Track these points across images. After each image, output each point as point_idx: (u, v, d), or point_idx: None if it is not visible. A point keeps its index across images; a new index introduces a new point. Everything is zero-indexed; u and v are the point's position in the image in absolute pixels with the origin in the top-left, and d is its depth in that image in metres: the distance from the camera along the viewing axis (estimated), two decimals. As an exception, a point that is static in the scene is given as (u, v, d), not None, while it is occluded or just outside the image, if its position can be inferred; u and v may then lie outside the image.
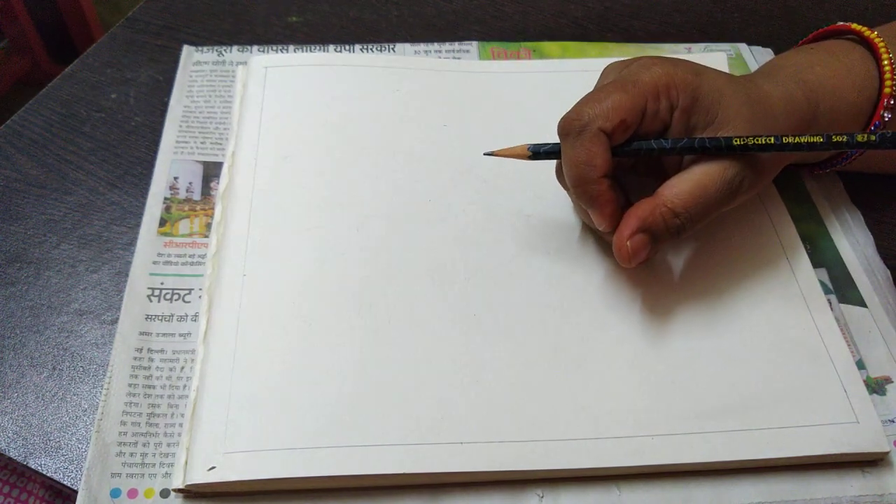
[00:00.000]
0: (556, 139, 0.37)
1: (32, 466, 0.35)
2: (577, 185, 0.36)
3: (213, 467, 0.32)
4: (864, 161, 0.43)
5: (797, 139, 0.35)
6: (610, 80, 0.38)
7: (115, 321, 0.39)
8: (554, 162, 0.39)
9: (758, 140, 0.35)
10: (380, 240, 0.40)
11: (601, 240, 0.40)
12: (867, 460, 0.35)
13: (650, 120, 0.36)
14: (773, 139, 0.35)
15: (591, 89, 0.38)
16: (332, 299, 0.37)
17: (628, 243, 0.35)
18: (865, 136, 0.35)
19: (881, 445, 0.34)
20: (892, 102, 0.40)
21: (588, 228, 0.41)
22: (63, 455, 0.35)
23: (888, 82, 0.40)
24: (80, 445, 0.35)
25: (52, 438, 0.35)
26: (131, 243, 0.41)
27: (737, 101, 0.36)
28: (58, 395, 0.37)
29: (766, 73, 0.41)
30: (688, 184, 0.36)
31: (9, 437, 0.35)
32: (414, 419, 0.34)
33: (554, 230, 0.41)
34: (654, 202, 0.36)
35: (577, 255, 0.40)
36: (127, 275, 0.40)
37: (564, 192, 0.41)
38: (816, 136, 0.36)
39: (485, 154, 0.39)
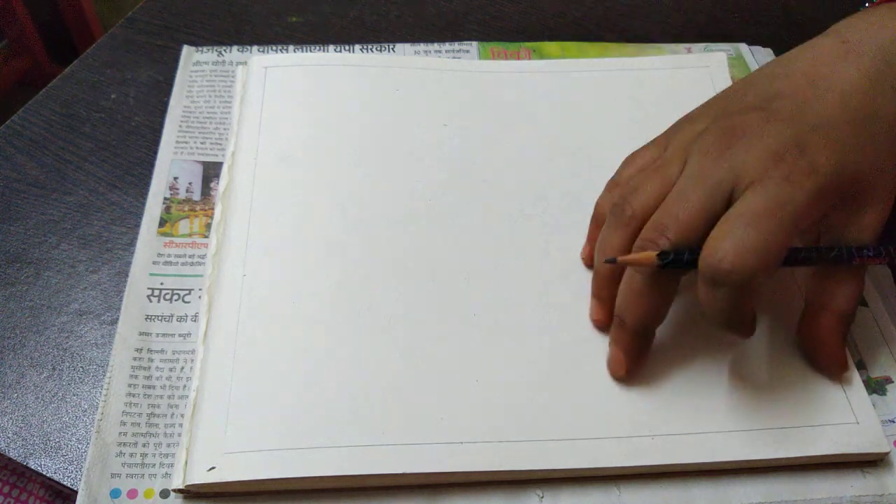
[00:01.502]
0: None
1: (32, 467, 0.35)
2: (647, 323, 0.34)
3: (213, 467, 0.32)
4: None
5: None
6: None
7: (114, 321, 0.39)
8: (555, 169, 0.39)
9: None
10: (380, 240, 0.40)
11: None
12: (867, 461, 0.34)
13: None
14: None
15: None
16: (331, 299, 0.37)
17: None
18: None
19: (881, 446, 0.34)
20: None
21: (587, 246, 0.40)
22: (63, 455, 0.35)
23: None
24: (79, 446, 0.35)
25: (51, 439, 0.35)
26: (131, 243, 0.41)
27: (867, 157, 0.33)
28: (58, 396, 0.37)
29: (881, 77, 0.34)
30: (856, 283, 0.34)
31: (9, 437, 0.35)
32: (413, 419, 0.34)
33: (554, 231, 0.41)
34: (829, 316, 0.34)
35: (577, 255, 0.40)
36: (127, 275, 0.40)
37: (564, 192, 0.41)
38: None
39: (606, 261, 0.34)
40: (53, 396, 0.37)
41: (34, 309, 0.40)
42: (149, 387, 0.36)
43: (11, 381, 0.37)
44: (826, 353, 0.35)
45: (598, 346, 0.36)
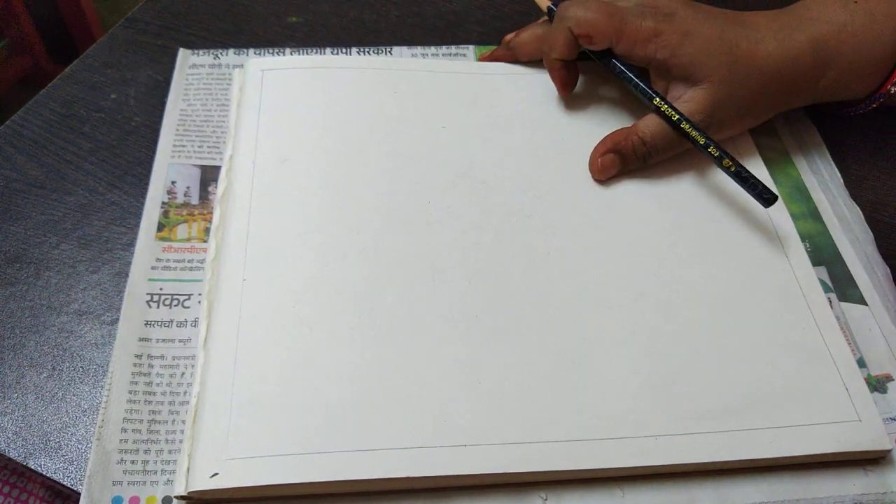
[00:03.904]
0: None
1: (32, 467, 0.35)
2: (543, 54, 0.46)
3: (216, 474, 0.32)
4: None
5: (691, 131, 0.41)
6: (622, 1, 0.43)
7: (114, 321, 0.39)
8: (554, 170, 0.44)
9: (672, 114, 0.42)
10: (379, 242, 0.39)
11: (603, 240, 0.40)
12: (869, 458, 0.35)
13: (629, 53, 0.43)
14: (676, 115, 0.42)
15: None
16: (332, 303, 0.37)
17: (600, 160, 0.43)
18: (734, 165, 0.40)
19: (883, 444, 0.34)
20: None
21: (589, 226, 0.41)
22: (63, 455, 0.35)
23: None
24: (79, 446, 0.35)
25: (51, 439, 0.35)
26: (131, 244, 0.41)
27: (716, 61, 0.41)
28: (57, 396, 0.37)
29: (781, 24, 0.43)
30: (658, 121, 0.43)
31: (8, 437, 0.35)
32: (416, 422, 0.34)
33: (554, 231, 0.41)
34: (629, 130, 0.43)
35: (577, 256, 0.40)
36: (127, 275, 0.40)
37: (563, 192, 0.42)
38: (703, 136, 0.41)
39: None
40: (53, 396, 0.37)
41: (34, 309, 0.40)
42: (149, 393, 0.36)
43: (11, 381, 0.37)
44: (600, 146, 0.43)
45: (600, 347, 0.36)
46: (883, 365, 0.38)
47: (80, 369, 0.37)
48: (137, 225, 0.42)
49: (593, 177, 0.43)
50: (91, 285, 0.40)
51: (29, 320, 0.39)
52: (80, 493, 0.34)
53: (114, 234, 0.42)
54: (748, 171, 0.40)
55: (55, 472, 0.34)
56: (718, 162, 0.41)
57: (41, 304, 0.40)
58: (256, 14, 0.55)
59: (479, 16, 0.56)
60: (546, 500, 0.33)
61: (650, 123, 0.43)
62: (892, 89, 0.43)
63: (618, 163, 0.43)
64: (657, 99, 0.43)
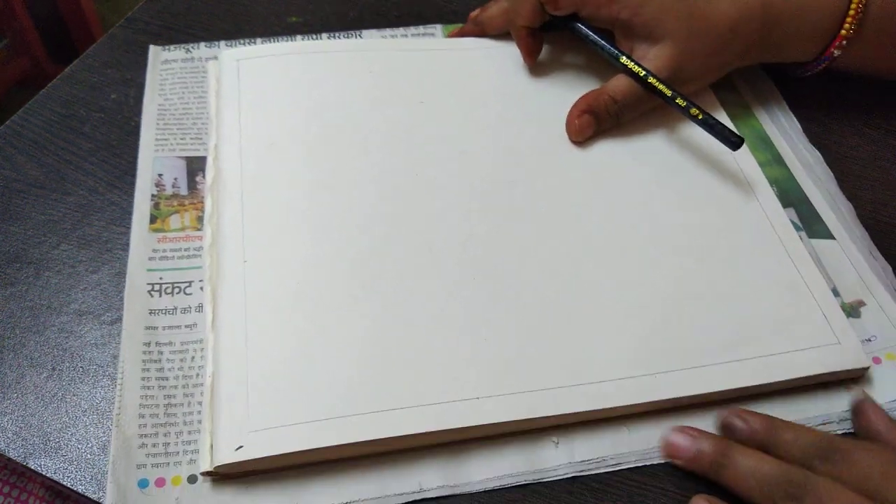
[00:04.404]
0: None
1: (32, 467, 0.35)
2: (510, 24, 0.48)
3: (241, 446, 0.33)
4: (856, 61, 0.47)
5: (659, 85, 0.44)
6: None
7: (115, 321, 0.39)
8: (531, 136, 0.46)
9: (639, 71, 0.44)
10: (373, 215, 0.41)
11: (586, 198, 0.43)
12: (850, 377, 0.38)
13: (594, 15, 0.45)
14: (643, 71, 0.44)
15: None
16: (334, 275, 0.38)
17: (577, 121, 0.45)
18: (700, 113, 0.43)
19: (862, 362, 0.37)
20: (844, 43, 0.45)
21: (571, 186, 0.43)
22: (63, 455, 0.35)
23: (847, 24, 0.44)
24: (79, 446, 0.35)
25: (51, 439, 0.35)
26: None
27: (676, 18, 0.43)
28: (57, 396, 0.37)
29: None
30: (627, 80, 0.45)
31: (8, 437, 0.35)
32: (428, 380, 0.35)
33: (538, 195, 0.42)
34: (600, 91, 0.45)
35: (563, 215, 0.42)
36: (126, 275, 0.40)
37: (543, 158, 0.44)
38: (669, 89, 0.44)
39: None
40: (53, 396, 0.37)
41: (34, 309, 0.40)
42: (162, 378, 0.37)
43: (11, 381, 0.37)
44: (575, 108, 0.45)
45: (596, 295, 0.38)
46: (855, 292, 0.41)
47: (80, 369, 0.37)
48: (137, 225, 0.42)
49: (571, 139, 0.45)
50: (91, 285, 0.40)
51: (29, 320, 0.39)
52: (80, 493, 0.34)
53: (114, 235, 0.42)
54: (714, 118, 0.43)
55: (55, 472, 0.34)
56: (686, 112, 0.43)
57: (41, 304, 0.40)
58: (257, 14, 0.55)
59: (479, 16, 0.56)
60: (558, 443, 0.35)
61: (619, 82, 0.45)
62: (836, 52, 0.45)
63: (593, 123, 0.45)
64: (624, 58, 0.45)
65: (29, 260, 0.41)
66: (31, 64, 1.38)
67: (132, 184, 0.45)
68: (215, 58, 0.49)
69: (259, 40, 0.52)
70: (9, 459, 0.35)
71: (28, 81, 1.38)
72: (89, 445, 0.35)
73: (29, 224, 0.43)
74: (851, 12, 0.44)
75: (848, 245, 0.42)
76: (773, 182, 0.45)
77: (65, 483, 0.34)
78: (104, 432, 0.35)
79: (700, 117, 0.43)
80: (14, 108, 0.49)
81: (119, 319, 0.39)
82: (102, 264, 0.41)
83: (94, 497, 0.34)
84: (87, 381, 0.37)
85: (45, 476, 0.34)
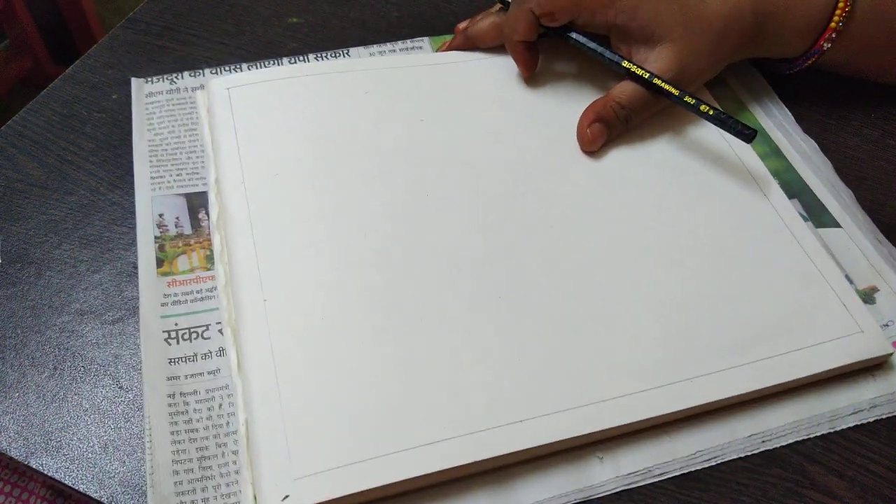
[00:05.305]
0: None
1: (34, 466, 0.35)
2: (505, 39, 0.47)
3: (287, 496, 0.31)
4: (845, 57, 0.47)
5: (664, 86, 0.44)
6: None
7: (116, 321, 0.39)
8: (536, 146, 0.45)
9: (643, 74, 0.44)
10: (388, 241, 0.40)
11: (598, 206, 0.42)
12: (874, 365, 0.38)
13: (590, 22, 0.45)
14: (646, 74, 0.44)
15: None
16: (358, 307, 0.37)
17: (588, 131, 0.44)
18: (711, 109, 0.43)
19: (885, 348, 0.37)
20: (834, 36, 0.45)
21: (582, 195, 0.43)
22: (64, 454, 0.35)
23: (836, 17, 0.45)
24: (81, 445, 0.35)
25: (53, 438, 0.35)
26: (132, 243, 0.42)
27: (672, 19, 0.44)
28: (59, 395, 0.37)
29: None
30: (631, 84, 0.45)
31: (10, 436, 0.35)
32: (467, 408, 0.34)
33: (550, 205, 0.42)
34: (606, 98, 0.45)
35: (578, 224, 0.41)
36: (128, 275, 0.40)
37: (551, 169, 0.44)
38: (676, 89, 0.44)
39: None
40: (55, 396, 0.37)
41: (35, 308, 0.40)
42: (191, 430, 0.35)
43: (13, 381, 0.37)
44: (584, 117, 0.45)
45: (620, 306, 0.38)
46: (867, 278, 0.41)
47: (82, 369, 0.38)
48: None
49: (583, 149, 0.45)
50: (92, 285, 0.41)
51: (30, 320, 0.39)
52: (81, 492, 0.34)
53: (115, 234, 0.43)
54: (726, 113, 0.43)
55: (56, 472, 0.35)
56: (696, 109, 0.43)
57: (42, 304, 0.40)
58: (257, 14, 0.55)
59: (479, 16, 0.56)
60: (602, 459, 0.35)
61: (624, 88, 0.45)
62: (826, 46, 0.46)
63: (604, 131, 0.45)
64: (625, 62, 0.45)
65: (30, 260, 0.41)
66: (33, 64, 1.38)
67: (133, 184, 0.45)
68: (202, 87, 0.48)
69: (245, 66, 0.50)
70: (10, 459, 0.35)
71: (29, 81, 1.39)
72: (90, 445, 0.35)
73: (30, 224, 0.43)
74: (841, 4, 0.45)
75: (854, 232, 0.42)
76: (774, 174, 0.45)
77: (66, 482, 0.34)
78: (105, 431, 0.36)
79: (711, 113, 0.43)
80: (15, 108, 0.49)
81: (120, 319, 0.39)
82: (104, 264, 0.41)
83: (94, 496, 0.34)
84: (88, 380, 0.37)
85: (46, 475, 0.35)
